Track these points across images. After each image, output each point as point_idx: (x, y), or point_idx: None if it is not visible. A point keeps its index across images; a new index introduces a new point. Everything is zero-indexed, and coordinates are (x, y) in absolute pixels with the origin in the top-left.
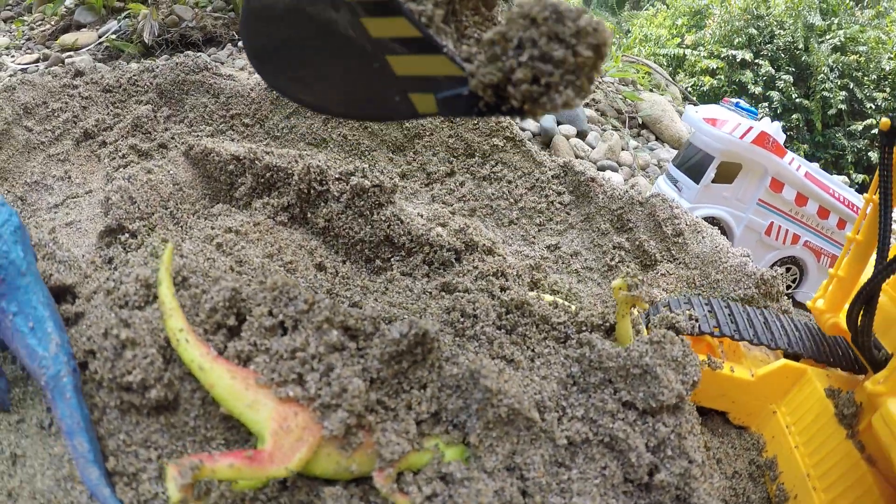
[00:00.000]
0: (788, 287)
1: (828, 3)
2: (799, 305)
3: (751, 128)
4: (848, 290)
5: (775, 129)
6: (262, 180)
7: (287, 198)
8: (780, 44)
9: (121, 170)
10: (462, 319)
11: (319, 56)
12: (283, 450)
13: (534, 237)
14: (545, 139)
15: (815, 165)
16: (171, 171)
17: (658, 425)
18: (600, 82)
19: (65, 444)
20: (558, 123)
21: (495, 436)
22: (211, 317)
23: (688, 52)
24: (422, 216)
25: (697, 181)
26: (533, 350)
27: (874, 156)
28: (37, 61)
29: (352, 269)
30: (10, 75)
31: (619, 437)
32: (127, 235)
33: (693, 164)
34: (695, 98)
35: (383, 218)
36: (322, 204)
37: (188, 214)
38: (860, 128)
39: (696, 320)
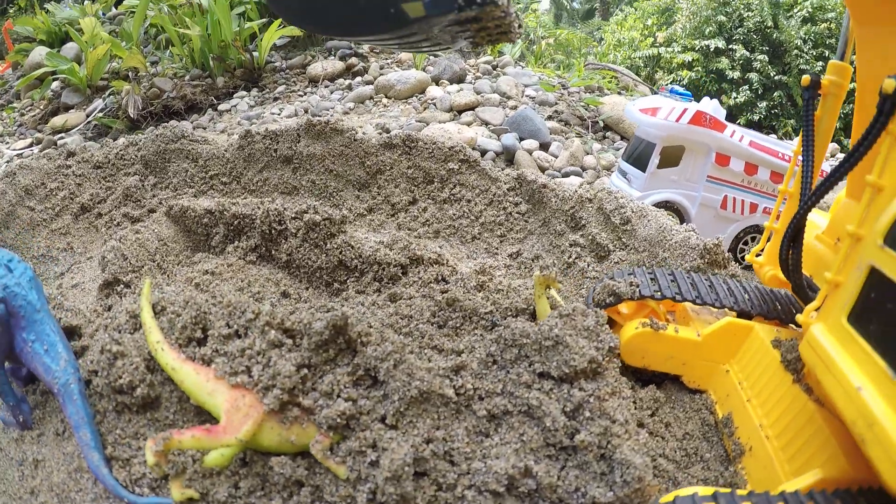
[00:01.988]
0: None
1: None
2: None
3: (685, 110)
4: None
5: (713, 107)
6: (232, 228)
7: (253, 240)
8: (751, 25)
9: (114, 232)
10: (401, 321)
11: None
12: (234, 423)
13: (496, 248)
14: (508, 156)
15: (760, 133)
16: (156, 230)
17: (574, 391)
18: (563, 93)
19: (74, 440)
20: (520, 139)
21: (413, 413)
22: (183, 332)
23: (662, 49)
24: (378, 241)
25: (644, 170)
26: (461, 338)
27: None
28: (31, 145)
29: (313, 294)
30: (7, 161)
31: (535, 405)
32: (122, 286)
33: (639, 154)
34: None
35: (335, 246)
36: (283, 241)
37: (172, 264)
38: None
39: (637, 286)
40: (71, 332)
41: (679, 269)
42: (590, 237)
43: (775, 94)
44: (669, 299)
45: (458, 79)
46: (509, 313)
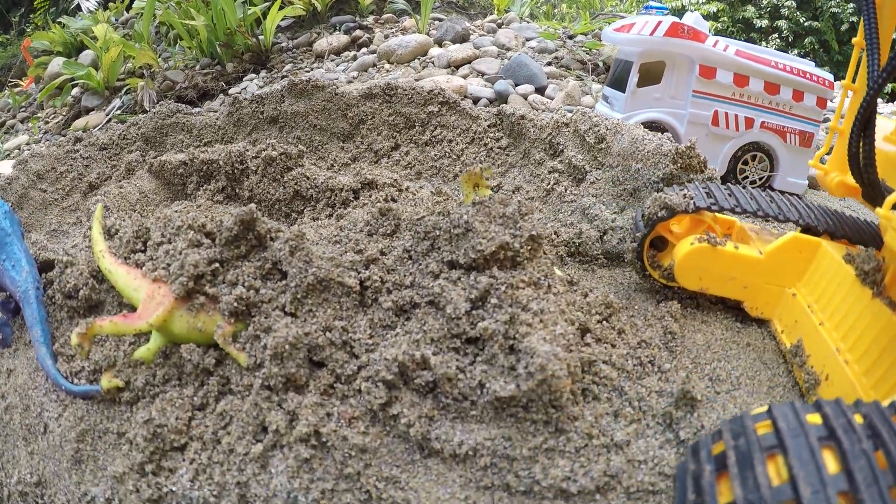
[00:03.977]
0: (762, 178)
1: None
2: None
3: (660, 22)
4: None
5: (694, 19)
6: (202, 173)
7: (220, 182)
8: None
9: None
10: (338, 233)
11: None
12: (148, 310)
13: None
14: (501, 101)
15: (747, 43)
16: (138, 185)
17: (480, 278)
18: (564, 41)
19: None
20: (515, 85)
21: (312, 302)
22: (128, 245)
23: (685, 1)
24: (334, 172)
25: (625, 91)
26: (391, 243)
27: None
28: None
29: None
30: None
31: (437, 293)
32: (112, 221)
33: (619, 76)
34: None
35: (291, 178)
36: (245, 179)
37: (151, 212)
38: None
39: (691, 198)
40: (47, 264)
41: (652, 177)
42: (567, 161)
43: (806, 40)
44: (728, 211)
45: (462, 39)
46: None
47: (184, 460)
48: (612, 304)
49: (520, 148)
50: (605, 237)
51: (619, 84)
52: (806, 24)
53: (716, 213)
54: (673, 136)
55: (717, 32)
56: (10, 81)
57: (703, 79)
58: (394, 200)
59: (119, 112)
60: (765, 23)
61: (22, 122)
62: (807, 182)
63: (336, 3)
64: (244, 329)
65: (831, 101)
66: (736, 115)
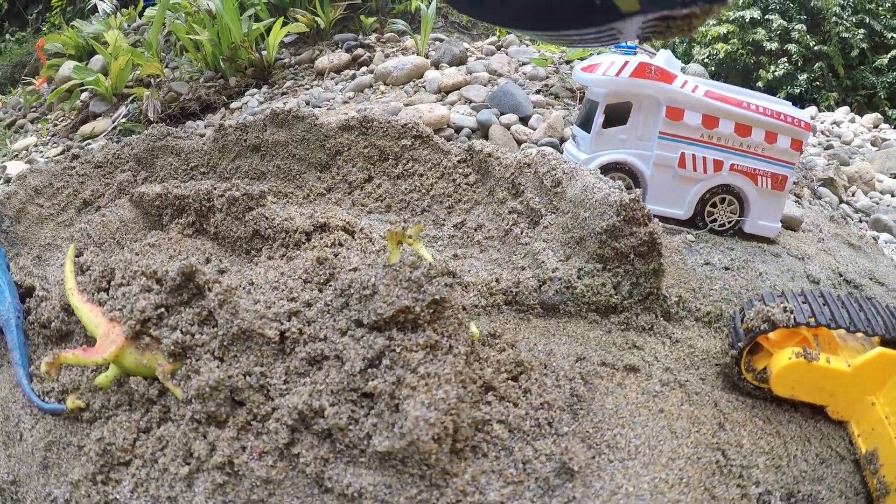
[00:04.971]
0: (731, 221)
1: None
2: (749, 238)
3: (626, 62)
4: None
5: (664, 59)
6: (175, 207)
7: (190, 216)
8: None
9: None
10: (279, 278)
11: None
12: (104, 346)
13: (444, 220)
14: (484, 131)
15: (719, 83)
16: (119, 213)
17: (378, 339)
18: (557, 67)
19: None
20: (501, 114)
21: (237, 349)
22: (95, 283)
23: None
24: (290, 213)
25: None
26: (320, 294)
27: None
28: (62, 153)
29: (234, 260)
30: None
31: (340, 350)
32: (84, 258)
33: (587, 116)
34: (711, 67)
35: (251, 218)
36: (211, 216)
37: (129, 240)
38: (886, 61)
39: (791, 311)
40: (30, 290)
41: (597, 228)
42: (526, 203)
43: (815, 65)
44: (824, 326)
45: (459, 61)
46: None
47: (127, 474)
48: (523, 362)
49: (486, 185)
50: (542, 287)
51: (586, 124)
52: (815, 48)
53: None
54: (638, 177)
55: (727, 55)
56: (24, 79)
57: (669, 120)
58: (341, 245)
59: (125, 120)
60: (774, 45)
61: (32, 122)
62: (779, 225)
63: (340, 20)
64: (181, 368)
65: (807, 142)
66: (704, 158)
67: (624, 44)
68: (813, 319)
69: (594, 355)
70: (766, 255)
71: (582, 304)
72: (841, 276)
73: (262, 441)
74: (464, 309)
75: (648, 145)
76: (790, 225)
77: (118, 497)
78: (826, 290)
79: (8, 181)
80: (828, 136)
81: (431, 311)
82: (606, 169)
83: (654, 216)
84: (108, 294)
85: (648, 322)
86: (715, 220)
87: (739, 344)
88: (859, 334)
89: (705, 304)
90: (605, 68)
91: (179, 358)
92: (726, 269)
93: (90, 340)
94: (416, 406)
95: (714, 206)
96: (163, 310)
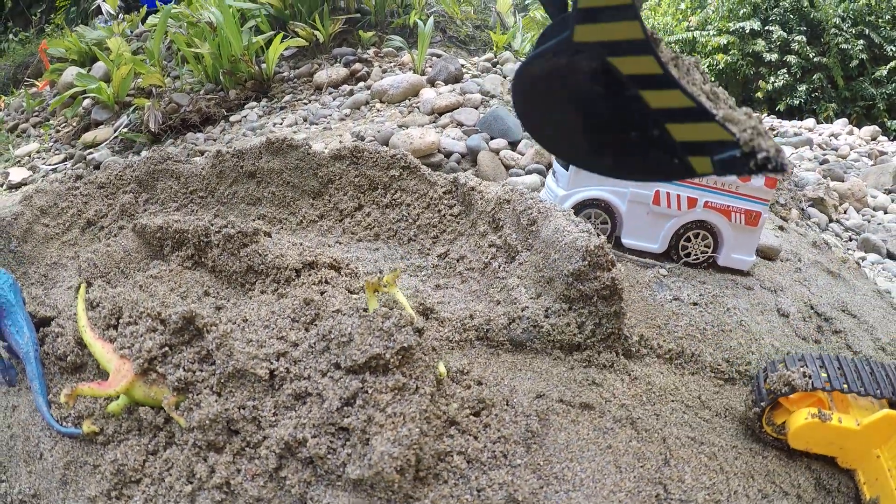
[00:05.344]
0: (705, 255)
1: None
2: (724, 270)
3: None
4: None
5: None
6: (175, 241)
7: (189, 250)
8: (787, 5)
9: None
10: (269, 316)
11: (596, 126)
12: (116, 381)
13: (429, 249)
14: (473, 157)
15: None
16: (123, 243)
17: (353, 381)
18: None
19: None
20: (491, 138)
21: (232, 385)
22: (105, 320)
23: (696, 34)
24: (284, 248)
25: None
26: (305, 334)
27: None
28: (64, 160)
29: (230, 293)
30: (43, 176)
31: (321, 389)
32: (94, 295)
33: None
34: (712, 78)
35: (246, 254)
36: (209, 250)
37: (133, 270)
38: (885, 72)
39: (809, 377)
40: (44, 321)
41: (564, 270)
42: (504, 238)
43: (815, 76)
44: (837, 391)
45: (455, 79)
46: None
47: (138, 491)
48: (485, 399)
49: (469, 217)
50: (511, 325)
51: (566, 162)
52: (815, 59)
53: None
54: (613, 213)
55: (727, 66)
56: (27, 80)
57: None
58: (327, 282)
59: (126, 130)
60: (774, 56)
61: (34, 126)
62: (753, 258)
63: (339, 34)
64: (184, 400)
65: (782, 181)
66: (678, 195)
67: None
68: (829, 384)
69: (554, 391)
70: (738, 289)
71: (547, 342)
72: (812, 308)
73: (254, 465)
74: (434, 349)
75: (624, 182)
76: (768, 255)
77: None
78: (842, 356)
79: (11, 187)
80: (824, 150)
81: (400, 357)
82: (584, 205)
83: (630, 250)
84: (116, 331)
85: (609, 360)
86: (689, 254)
87: (762, 403)
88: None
89: (668, 340)
90: None
91: (183, 392)
92: (694, 304)
93: (102, 373)
94: (383, 442)
95: (688, 240)
96: (167, 348)
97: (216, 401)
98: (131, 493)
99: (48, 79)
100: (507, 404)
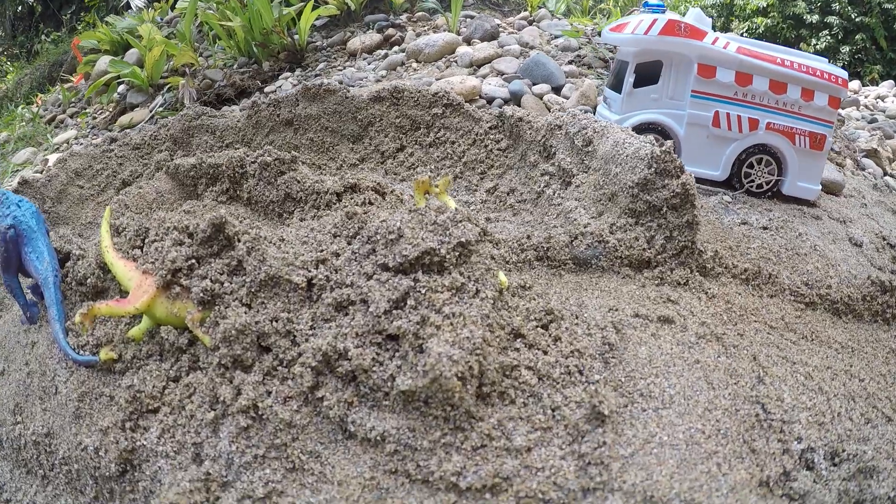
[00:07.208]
0: (769, 182)
1: None
2: (788, 200)
3: (655, 20)
4: None
5: (695, 16)
6: (209, 176)
7: (224, 184)
8: None
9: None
10: (308, 234)
11: None
12: (136, 296)
13: (476, 185)
14: (516, 101)
15: (752, 39)
16: (156, 186)
17: (403, 281)
18: (590, 38)
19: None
20: (533, 84)
21: (265, 296)
22: (130, 242)
23: None
24: (332, 178)
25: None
26: (348, 245)
27: None
28: (102, 142)
29: (267, 224)
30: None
31: (366, 293)
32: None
33: (617, 77)
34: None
35: (283, 182)
36: (244, 182)
37: (166, 210)
38: None
39: None
40: (69, 255)
41: (629, 182)
42: (558, 164)
43: (857, 37)
44: None
45: (490, 37)
46: None
47: (155, 421)
48: (552, 311)
49: (518, 150)
50: (574, 242)
51: (617, 85)
52: (857, 19)
53: None
54: (671, 136)
55: (767, 29)
56: (62, 77)
57: (701, 78)
58: (371, 203)
59: (161, 109)
60: (815, 18)
61: (71, 116)
62: (819, 187)
63: (370, 1)
64: (210, 316)
65: (845, 99)
66: (739, 116)
67: (652, 3)
68: None
69: (627, 307)
70: (806, 217)
71: (614, 259)
72: (884, 240)
73: (286, 386)
74: (492, 258)
75: (681, 104)
76: (831, 189)
77: (145, 443)
78: None
79: None
80: (871, 111)
81: (457, 253)
82: (639, 130)
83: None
84: (141, 251)
85: (683, 277)
86: (752, 182)
87: None
88: None
89: (743, 261)
90: (633, 27)
91: (208, 306)
92: (764, 228)
93: (124, 295)
94: (440, 343)
95: (751, 166)
96: (193, 261)
97: (245, 312)
98: (147, 424)
99: (83, 72)
100: (578, 318)
